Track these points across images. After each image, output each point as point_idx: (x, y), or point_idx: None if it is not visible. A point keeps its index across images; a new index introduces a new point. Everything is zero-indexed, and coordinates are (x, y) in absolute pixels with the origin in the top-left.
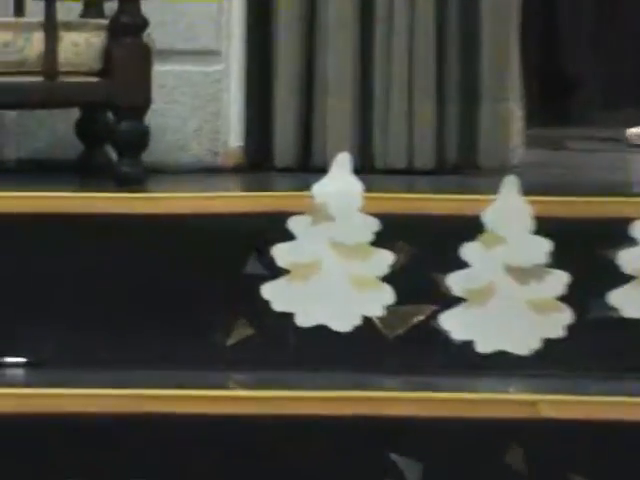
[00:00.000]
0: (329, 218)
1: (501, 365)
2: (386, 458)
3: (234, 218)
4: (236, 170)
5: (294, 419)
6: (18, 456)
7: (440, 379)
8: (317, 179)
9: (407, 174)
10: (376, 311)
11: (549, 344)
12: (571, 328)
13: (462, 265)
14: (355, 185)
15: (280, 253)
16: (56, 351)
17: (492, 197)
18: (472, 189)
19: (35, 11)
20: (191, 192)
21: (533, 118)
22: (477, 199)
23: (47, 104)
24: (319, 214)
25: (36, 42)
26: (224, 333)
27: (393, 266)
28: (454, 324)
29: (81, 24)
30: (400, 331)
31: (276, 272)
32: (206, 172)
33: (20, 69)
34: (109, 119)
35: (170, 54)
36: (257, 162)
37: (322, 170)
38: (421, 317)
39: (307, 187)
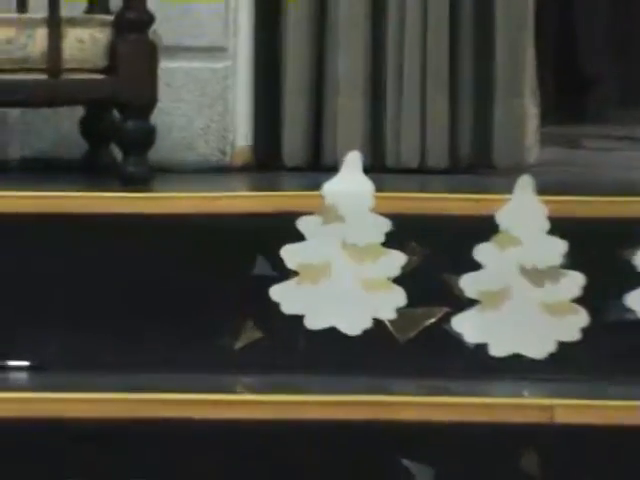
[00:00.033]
0: (339, 218)
1: (515, 369)
2: (398, 463)
3: (242, 218)
4: (244, 169)
5: (303, 424)
6: (20, 462)
7: (453, 383)
8: (327, 178)
9: (420, 173)
10: (387, 313)
11: (564, 347)
12: (587, 331)
13: (475, 266)
14: (366, 185)
15: (289, 254)
16: (59, 354)
17: (506, 197)
18: (486, 189)
19: (38, 7)
20: (198, 192)
21: (548, 116)
22: (491, 199)
23: (51, 102)
24: (329, 214)
25: (39, 39)
26: (232, 336)
27: (405, 267)
28: (467, 327)
29: (86, 20)
30: (412, 334)
31: (285, 273)
32: (213, 171)
33: (23, 66)
34: (114, 117)
35: (177, 51)
36: (266, 161)
37: (332, 169)
38: (433, 320)
39: (317, 187)
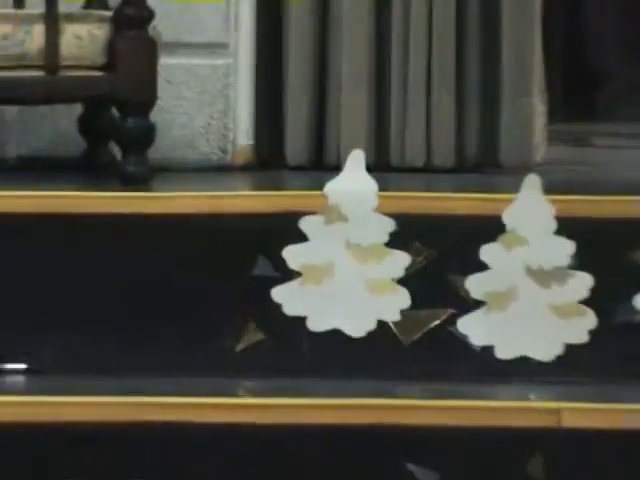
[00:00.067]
0: (342, 218)
1: (522, 371)
2: (402, 468)
3: (244, 218)
4: (246, 168)
5: (306, 428)
6: (17, 467)
7: (459, 386)
8: (330, 178)
9: (425, 172)
10: (391, 315)
11: (572, 350)
12: (595, 333)
13: (481, 267)
14: (370, 184)
15: (292, 254)
16: (57, 357)
17: (513, 196)
18: (492, 188)
19: (36, 2)
20: (199, 191)
21: (556, 113)
22: (497, 198)
23: (49, 100)
24: (332, 214)
25: (37, 35)
26: (233, 338)
27: (409, 268)
28: (473, 329)
29: (84, 16)
30: (417, 336)
31: (287, 274)
32: (214, 170)
33: (20, 63)
34: (113, 115)
35: (177, 47)
36: (268, 160)
37: (336, 168)
38: (438, 322)
39: (320, 186)
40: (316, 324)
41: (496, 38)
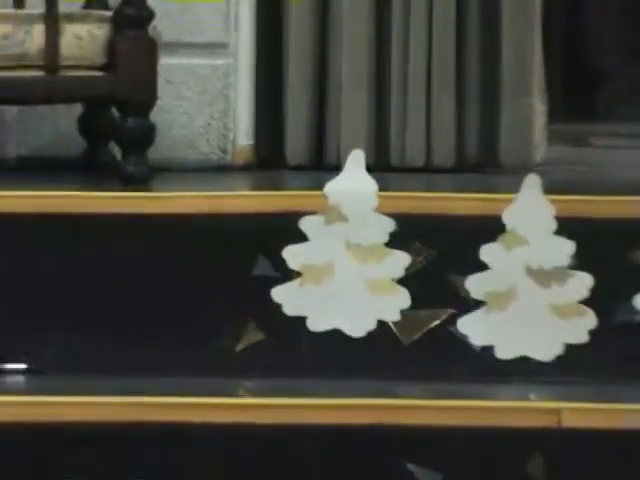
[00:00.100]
0: (342, 218)
1: (522, 372)
2: (403, 468)
3: (243, 218)
4: (246, 168)
5: (306, 428)
6: (17, 467)
7: (459, 386)
8: (330, 177)
9: (425, 172)
10: (391, 315)
11: (572, 350)
12: (595, 333)
13: (481, 267)
14: (370, 184)
15: (292, 255)
16: (57, 357)
17: (513, 196)
18: (492, 188)
19: (36, 2)
20: (199, 191)
21: (555, 113)
22: (497, 198)
23: (49, 99)
24: (332, 214)
25: (37, 35)
26: (233, 338)
27: (409, 268)
28: (473, 329)
29: (84, 16)
30: (417, 336)
31: (287, 274)
32: (214, 170)
33: (20, 63)
34: (113, 115)
35: (177, 47)
36: (268, 160)
37: (336, 168)
38: (438, 322)
39: (320, 186)
40: (316, 324)
41: (496, 38)
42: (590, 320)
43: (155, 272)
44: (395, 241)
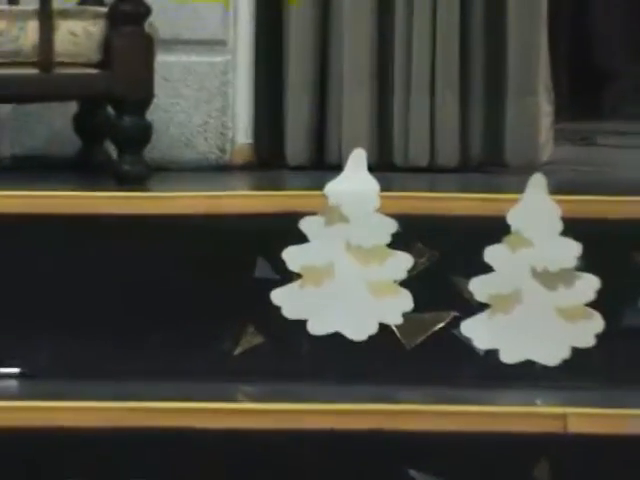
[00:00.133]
0: (343, 219)
1: (528, 376)
2: (405, 474)
3: (242, 219)
4: (245, 168)
5: (306, 433)
6: (10, 473)
7: (462, 391)
8: (331, 177)
9: (429, 172)
10: (394, 318)
11: (578, 354)
12: (602, 337)
13: (486, 269)
14: (371, 184)
15: (292, 256)
16: (52, 361)
17: (518, 196)
18: (497, 188)
19: None
20: (196, 191)
21: (561, 112)
22: (502, 199)
23: (43, 97)
24: (333, 215)
25: (31, 31)
26: (232, 341)
27: (412, 270)
28: (477, 332)
29: (79, 12)
30: (419, 340)
31: (287, 276)
32: (213, 170)
33: (14, 60)
34: (109, 114)
35: (174, 44)
36: (267, 159)
37: (337, 168)
38: (442, 325)
39: (320, 186)
40: (316, 327)
41: (501, 35)
42: (597, 323)
43: (152, 275)
44: (397, 242)
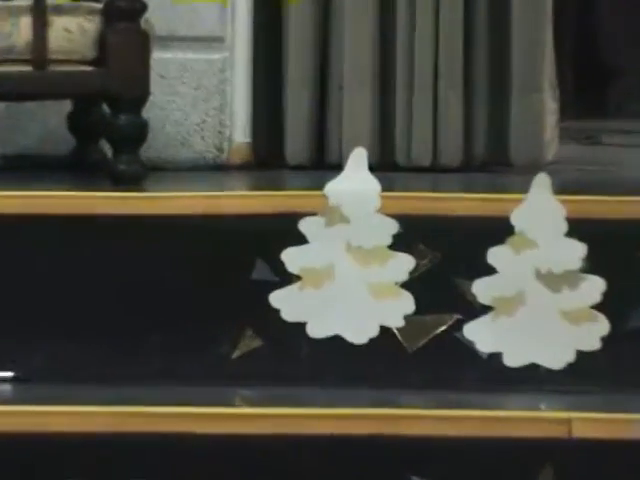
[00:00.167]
0: (344, 219)
1: (531, 380)
2: None
3: (241, 220)
4: (243, 167)
5: (305, 438)
6: (4, 477)
7: (465, 395)
8: (331, 177)
9: (432, 172)
10: (395, 321)
11: (583, 357)
12: (607, 339)
13: (489, 271)
14: (372, 184)
15: (291, 257)
16: (46, 365)
17: (522, 196)
18: (501, 188)
19: None
20: (193, 191)
21: (566, 110)
22: (506, 199)
23: (37, 95)
24: (333, 215)
25: (24, 28)
26: (230, 345)
27: (413, 272)
28: (480, 335)
29: (73, 8)
30: (421, 343)
31: (286, 278)
32: (210, 170)
33: (7, 57)
34: (104, 112)
35: (170, 40)
36: (266, 159)
37: (337, 167)
38: (444, 327)
39: (320, 186)
40: (316, 330)
41: (506, 33)
42: (602, 326)
43: (148, 276)
44: (399, 243)
